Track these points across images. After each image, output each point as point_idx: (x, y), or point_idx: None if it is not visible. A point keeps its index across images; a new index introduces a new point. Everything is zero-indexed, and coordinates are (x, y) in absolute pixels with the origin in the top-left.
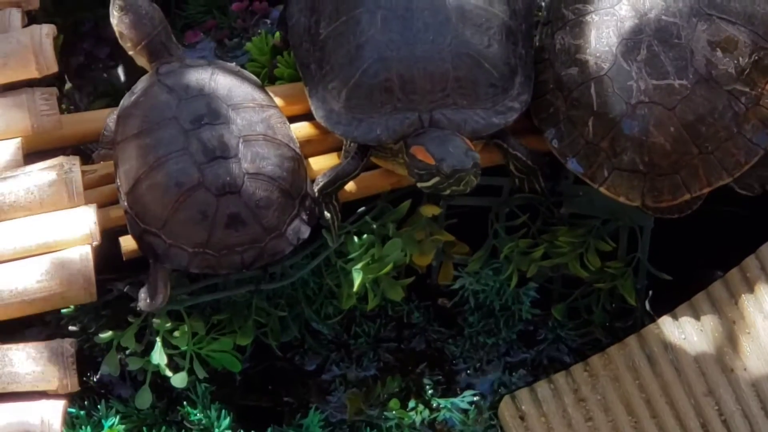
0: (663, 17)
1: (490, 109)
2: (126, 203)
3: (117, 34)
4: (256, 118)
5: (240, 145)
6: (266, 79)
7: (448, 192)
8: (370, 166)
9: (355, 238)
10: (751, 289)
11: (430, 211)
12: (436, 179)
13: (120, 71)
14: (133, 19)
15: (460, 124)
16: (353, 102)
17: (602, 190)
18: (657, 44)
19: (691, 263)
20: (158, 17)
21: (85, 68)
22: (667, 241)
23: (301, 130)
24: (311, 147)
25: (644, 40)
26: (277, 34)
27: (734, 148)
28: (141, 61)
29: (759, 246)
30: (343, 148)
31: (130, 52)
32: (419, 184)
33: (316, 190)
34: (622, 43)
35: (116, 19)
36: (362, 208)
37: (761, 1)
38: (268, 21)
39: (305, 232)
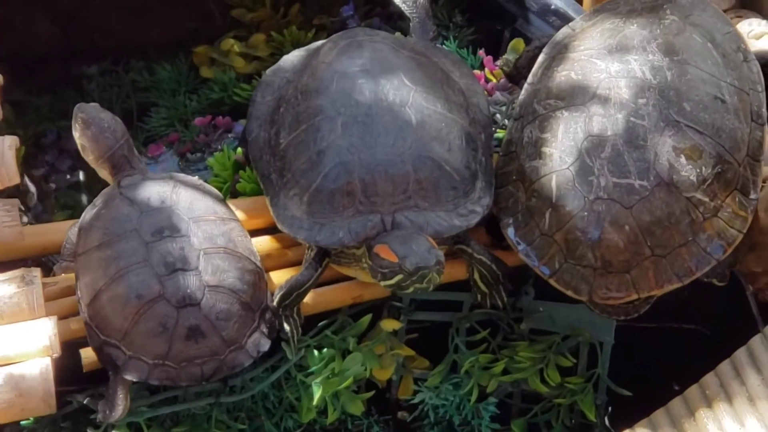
0: (631, 118)
1: (452, 212)
2: (86, 315)
3: (79, 147)
4: (216, 231)
5: (200, 257)
6: (228, 193)
7: (411, 290)
8: (333, 279)
9: (316, 352)
10: (709, 406)
11: (390, 325)
12: (399, 277)
13: (82, 184)
14: (95, 132)
15: (423, 225)
16: (315, 207)
17: (551, 281)
18: (622, 144)
19: (650, 380)
20: (120, 130)
21: (48, 180)
22: (627, 357)
23: (262, 244)
24: (272, 261)
25: (610, 139)
26: (239, 149)
27: (687, 255)
28: (103, 173)
29: (718, 363)
30: (304, 258)
31: (93, 165)
32: (382, 283)
33: (274, 302)
34: (588, 139)
35: (78, 132)
36: (323, 322)
37: (731, 118)
38: (231, 135)
39: (265, 345)
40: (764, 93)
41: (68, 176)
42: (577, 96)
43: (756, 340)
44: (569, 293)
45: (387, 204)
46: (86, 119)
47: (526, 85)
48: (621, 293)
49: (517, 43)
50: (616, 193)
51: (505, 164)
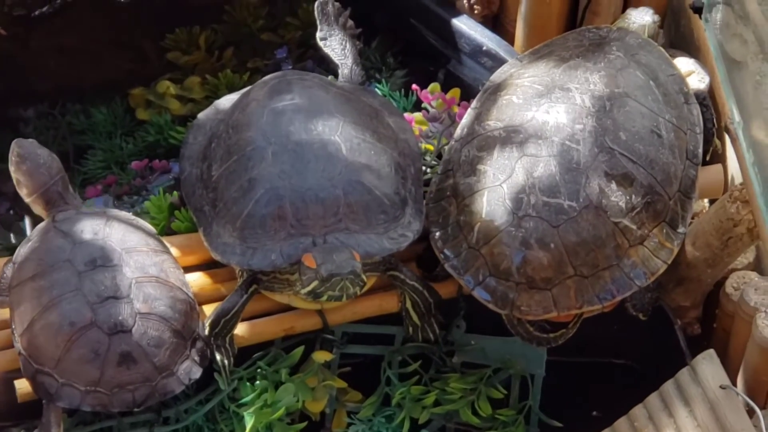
0: (567, 142)
1: (383, 235)
2: (20, 345)
3: (14, 181)
4: (149, 261)
5: (132, 286)
6: (163, 232)
7: (325, 297)
8: (266, 312)
9: (248, 384)
10: None
11: (322, 357)
12: (314, 283)
13: (20, 225)
14: (30, 167)
15: (354, 246)
16: (247, 232)
17: (474, 293)
18: (555, 165)
19: (580, 412)
20: (56, 167)
21: None
22: (558, 390)
23: (196, 280)
24: (205, 295)
25: (543, 159)
26: (175, 192)
27: (609, 278)
28: (37, 209)
29: (646, 396)
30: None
31: (27, 200)
32: (301, 291)
33: (206, 332)
34: (523, 158)
35: (14, 166)
36: (257, 354)
37: (666, 152)
38: (170, 176)
39: (196, 372)
40: (702, 135)
41: (6, 219)
42: (516, 118)
43: (684, 373)
44: (491, 306)
45: (318, 227)
46: (22, 154)
47: (469, 110)
48: (541, 309)
49: (435, 87)
50: (544, 211)
51: (441, 182)
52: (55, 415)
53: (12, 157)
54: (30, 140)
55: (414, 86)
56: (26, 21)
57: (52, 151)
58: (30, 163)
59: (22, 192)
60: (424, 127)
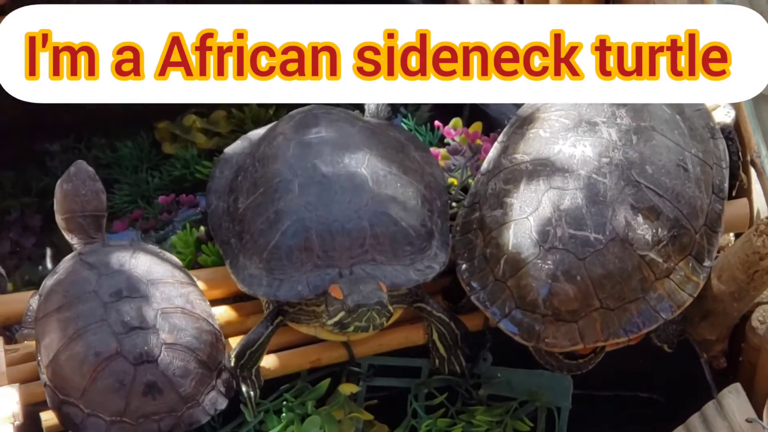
0: (593, 175)
1: (409, 266)
2: (46, 376)
3: (55, 192)
4: (174, 292)
5: (158, 316)
6: (189, 266)
7: (351, 329)
8: (292, 344)
9: (275, 416)
10: None
11: (348, 389)
12: (341, 314)
13: (46, 259)
14: (68, 190)
15: (380, 278)
16: (273, 263)
17: (500, 325)
18: (582, 198)
19: None
20: (94, 205)
21: (12, 256)
22: (585, 423)
23: (222, 314)
24: (232, 328)
25: (570, 192)
26: (202, 227)
27: (635, 311)
28: (62, 229)
29: (672, 429)
30: None
31: (56, 214)
32: (328, 323)
33: (232, 363)
34: (549, 191)
35: (59, 180)
36: (284, 386)
37: (692, 186)
38: (197, 210)
39: (222, 403)
40: (728, 169)
41: (32, 252)
42: (543, 151)
43: (710, 407)
44: (517, 339)
45: (344, 258)
46: (70, 175)
47: (496, 144)
48: (568, 342)
49: (457, 123)
50: (571, 244)
51: (467, 215)
52: None
53: (67, 171)
54: (89, 169)
55: (437, 123)
56: None
57: None
58: (71, 186)
59: (55, 206)
60: (447, 160)
